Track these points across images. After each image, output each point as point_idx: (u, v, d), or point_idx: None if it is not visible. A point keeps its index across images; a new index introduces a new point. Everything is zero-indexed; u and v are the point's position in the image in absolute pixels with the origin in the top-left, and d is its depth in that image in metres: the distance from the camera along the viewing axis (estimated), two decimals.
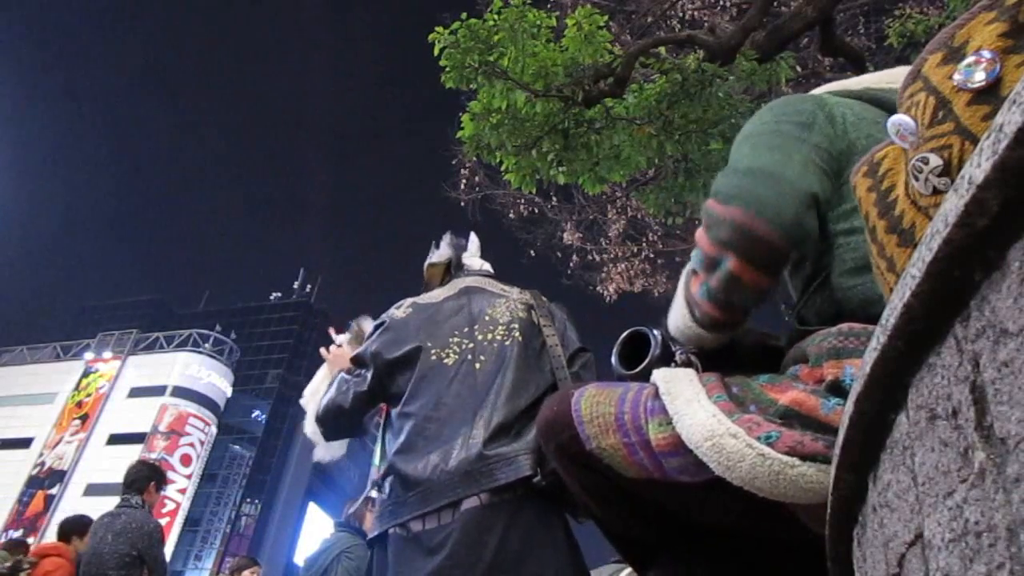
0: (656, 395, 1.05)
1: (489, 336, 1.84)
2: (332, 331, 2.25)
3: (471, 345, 1.82)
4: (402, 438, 1.73)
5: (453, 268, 2.10)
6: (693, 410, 0.97)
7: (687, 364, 1.17)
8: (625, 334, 1.28)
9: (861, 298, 1.04)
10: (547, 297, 2.04)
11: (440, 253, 2.13)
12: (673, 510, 1.15)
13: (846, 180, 1.08)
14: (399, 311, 1.94)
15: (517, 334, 1.84)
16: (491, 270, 2.12)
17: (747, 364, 1.17)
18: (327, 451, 2.07)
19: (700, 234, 1.11)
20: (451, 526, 1.58)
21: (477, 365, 1.78)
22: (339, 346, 2.16)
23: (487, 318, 1.88)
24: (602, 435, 1.08)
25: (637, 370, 1.20)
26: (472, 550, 1.54)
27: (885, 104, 1.18)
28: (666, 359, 1.20)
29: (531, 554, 1.57)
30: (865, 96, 1.21)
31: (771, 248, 1.03)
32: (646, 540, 1.26)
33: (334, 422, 1.94)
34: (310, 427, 2.00)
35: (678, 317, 1.19)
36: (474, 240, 2.19)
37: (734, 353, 1.23)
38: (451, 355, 1.80)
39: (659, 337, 1.22)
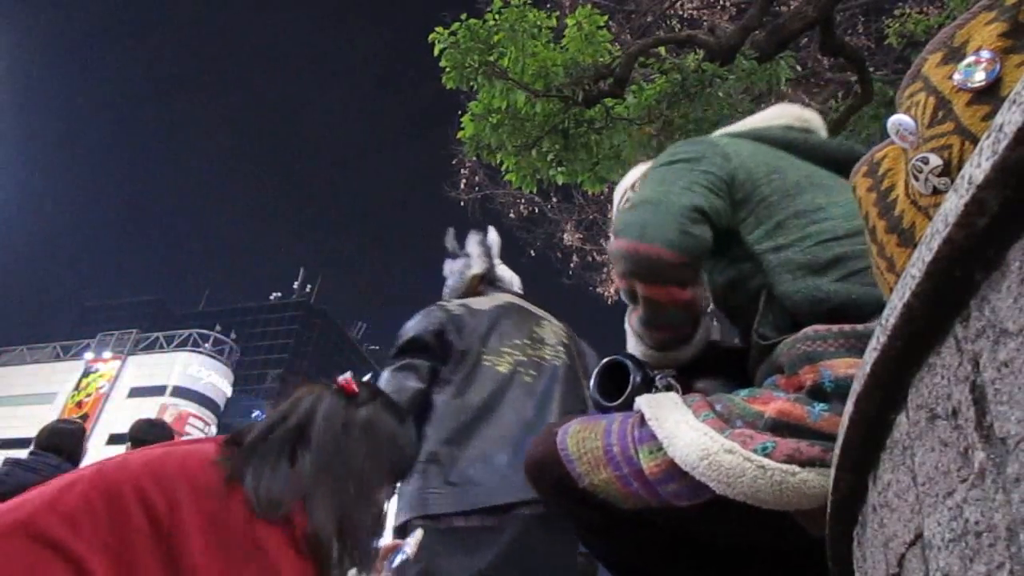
0: (642, 422, 1.04)
1: (539, 354, 1.92)
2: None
3: (522, 358, 1.88)
4: (449, 430, 1.71)
5: (489, 279, 2.14)
6: (683, 431, 0.97)
7: (668, 388, 1.16)
8: (602, 364, 1.26)
9: (809, 300, 1.06)
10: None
11: (476, 262, 2.15)
12: (672, 538, 1.14)
13: (758, 203, 1.16)
14: (451, 305, 1.97)
15: (564, 357, 1.94)
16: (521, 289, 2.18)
17: (713, 371, 1.20)
18: None
19: (614, 274, 1.17)
20: (500, 530, 1.59)
21: (527, 378, 1.84)
22: None
23: (536, 336, 1.96)
24: (594, 471, 1.06)
25: (619, 401, 1.18)
26: (521, 557, 1.56)
27: (765, 139, 1.28)
28: (647, 386, 1.18)
29: (575, 566, 1.60)
30: (751, 135, 1.30)
31: (662, 263, 1.09)
32: (649, 572, 1.25)
33: None
34: None
35: (635, 350, 1.24)
36: (494, 237, 2.20)
37: (699, 365, 1.24)
38: (504, 364, 1.84)
39: (637, 365, 1.20)
